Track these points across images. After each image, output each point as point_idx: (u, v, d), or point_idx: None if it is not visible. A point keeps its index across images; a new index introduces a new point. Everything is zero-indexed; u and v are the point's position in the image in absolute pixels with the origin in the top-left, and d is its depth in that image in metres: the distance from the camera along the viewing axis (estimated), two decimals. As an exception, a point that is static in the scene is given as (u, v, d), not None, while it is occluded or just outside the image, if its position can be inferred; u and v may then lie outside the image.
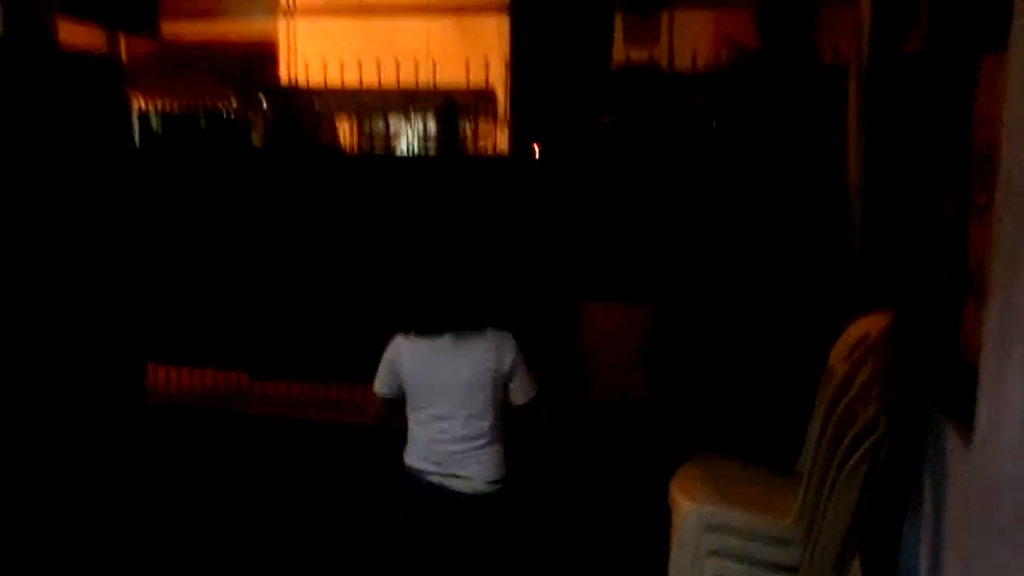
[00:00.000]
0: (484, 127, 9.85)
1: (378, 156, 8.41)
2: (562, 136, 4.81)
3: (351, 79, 5.88)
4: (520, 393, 2.69)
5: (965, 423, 1.97)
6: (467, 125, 9.98)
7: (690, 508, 2.56)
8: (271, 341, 5.29)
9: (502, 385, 2.65)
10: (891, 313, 2.57)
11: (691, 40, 11.36)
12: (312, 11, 9.58)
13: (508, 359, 2.63)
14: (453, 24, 10.46)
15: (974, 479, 1.97)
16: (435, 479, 2.61)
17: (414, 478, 2.65)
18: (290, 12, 9.56)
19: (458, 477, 2.60)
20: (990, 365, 1.84)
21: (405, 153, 10.00)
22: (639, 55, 12.32)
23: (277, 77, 10.37)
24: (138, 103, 9.04)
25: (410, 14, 9.82)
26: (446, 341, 2.60)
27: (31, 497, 4.00)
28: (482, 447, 2.62)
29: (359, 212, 5.05)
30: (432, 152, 10.10)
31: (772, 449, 2.86)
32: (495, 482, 2.65)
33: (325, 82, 6.26)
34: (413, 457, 2.68)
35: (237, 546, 3.71)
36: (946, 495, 2.25)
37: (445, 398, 2.60)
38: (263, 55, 10.81)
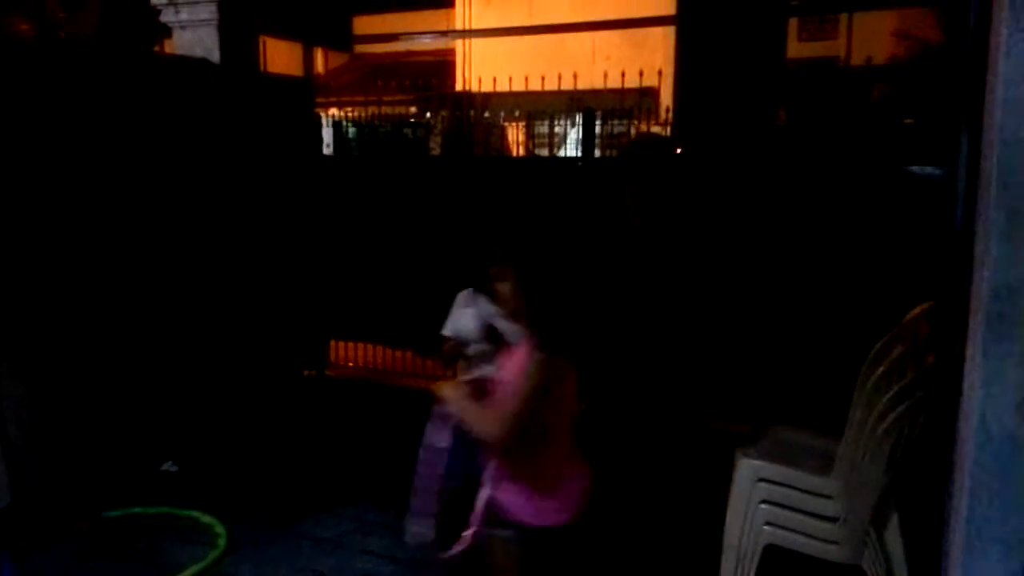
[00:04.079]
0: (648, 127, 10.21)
1: (537, 158, 8.96)
2: (728, 134, 5.00)
3: (521, 87, 6.40)
4: None
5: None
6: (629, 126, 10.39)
7: (744, 462, 2.96)
8: (438, 324, 5.98)
9: None
10: (933, 302, 2.86)
11: (868, 36, 11.18)
12: (486, 33, 10.28)
13: None
14: (620, 34, 10.81)
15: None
16: None
17: None
18: (465, 36, 10.33)
19: None
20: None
21: (569, 155, 10.51)
22: (815, 51, 12.18)
23: (454, 86, 11.21)
24: (332, 112, 10.12)
25: (579, 30, 10.25)
26: None
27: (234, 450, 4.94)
28: None
29: (520, 208, 5.56)
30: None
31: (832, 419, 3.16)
32: None
33: (497, 90, 6.81)
34: None
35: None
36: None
37: None
38: (443, 65, 11.71)
